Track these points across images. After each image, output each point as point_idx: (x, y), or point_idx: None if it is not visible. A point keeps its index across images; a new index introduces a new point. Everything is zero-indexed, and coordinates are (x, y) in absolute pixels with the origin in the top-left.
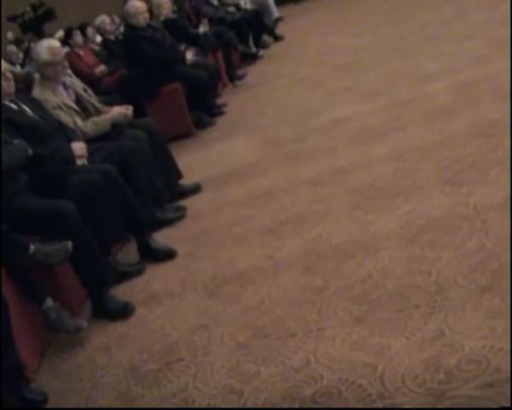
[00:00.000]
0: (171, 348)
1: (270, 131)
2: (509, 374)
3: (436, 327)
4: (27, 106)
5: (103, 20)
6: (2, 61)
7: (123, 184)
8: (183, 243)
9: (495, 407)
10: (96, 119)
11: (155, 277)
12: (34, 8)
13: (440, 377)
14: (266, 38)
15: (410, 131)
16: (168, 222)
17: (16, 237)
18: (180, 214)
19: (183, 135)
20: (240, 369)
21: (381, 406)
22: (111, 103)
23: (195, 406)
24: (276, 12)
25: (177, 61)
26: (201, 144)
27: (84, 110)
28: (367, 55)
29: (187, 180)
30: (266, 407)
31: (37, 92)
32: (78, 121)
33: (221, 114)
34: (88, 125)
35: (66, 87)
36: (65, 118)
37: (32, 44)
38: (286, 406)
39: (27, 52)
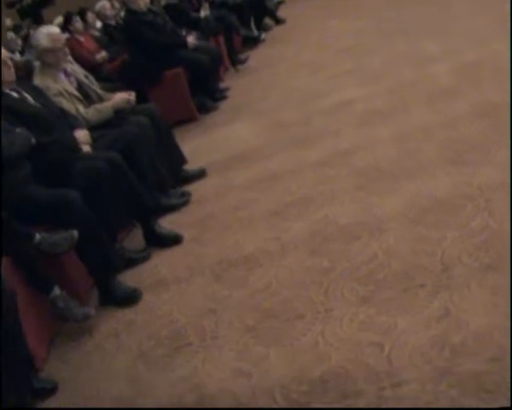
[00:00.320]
0: (179, 332)
1: (274, 114)
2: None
3: (441, 305)
4: (29, 94)
5: (103, 5)
6: (2, 49)
7: (127, 171)
8: (188, 228)
9: (499, 380)
10: (98, 106)
11: (162, 262)
12: None
13: (446, 354)
14: (268, 21)
15: (413, 113)
16: (173, 208)
17: (18, 226)
18: (185, 200)
19: (186, 120)
20: (248, 352)
21: (387, 384)
22: (113, 90)
23: (206, 390)
24: None
25: (178, 46)
26: (205, 129)
27: (86, 97)
28: (369, 38)
29: (191, 165)
30: (275, 396)
31: (37, 80)
32: (81, 108)
33: (224, 98)
34: (90, 112)
35: (67, 74)
36: (67, 105)
37: (31, 31)
38: (295, 387)
39: (26, 39)
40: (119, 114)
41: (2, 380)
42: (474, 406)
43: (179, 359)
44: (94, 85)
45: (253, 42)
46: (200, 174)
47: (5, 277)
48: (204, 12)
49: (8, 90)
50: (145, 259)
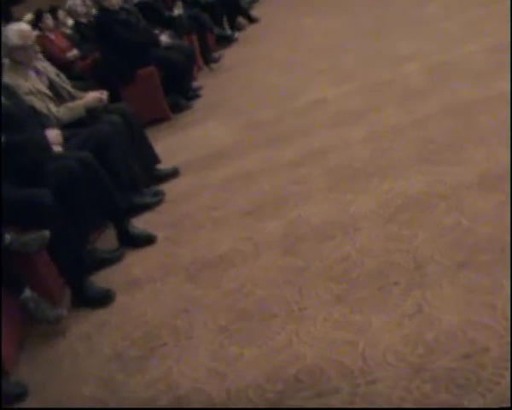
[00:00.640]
0: (153, 333)
1: (248, 113)
2: (485, 346)
3: (415, 303)
4: None
5: (74, 2)
6: None
7: (99, 171)
8: (162, 227)
9: (472, 378)
10: (70, 104)
11: (135, 262)
12: None
13: (420, 351)
14: (241, 20)
15: (386, 112)
16: (147, 207)
17: None
18: (158, 199)
19: (159, 119)
20: (223, 352)
21: (362, 382)
22: (85, 88)
23: (181, 391)
24: None
25: (151, 45)
26: (178, 128)
27: (58, 96)
28: (343, 38)
29: (165, 165)
30: (250, 395)
31: (7, 78)
32: (52, 107)
33: (197, 97)
34: (62, 111)
35: (38, 72)
36: (38, 104)
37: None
38: (269, 386)
39: None
40: (92, 112)
41: None
42: (445, 400)
43: (153, 359)
44: (65, 84)
45: (226, 41)
46: (174, 173)
47: None
48: (177, 10)
49: None
50: (118, 259)
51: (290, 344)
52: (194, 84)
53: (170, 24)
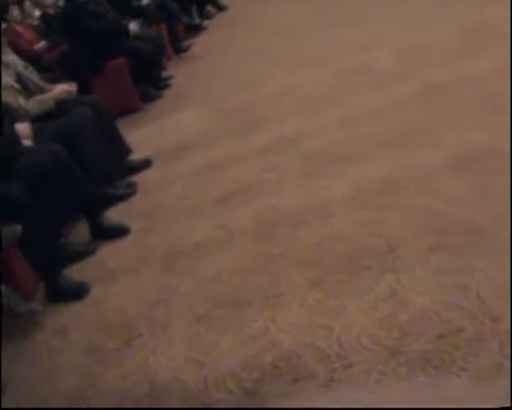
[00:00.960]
0: (129, 324)
1: (219, 101)
2: (459, 326)
3: (388, 286)
4: None
5: None
6: None
7: (71, 163)
8: (136, 218)
9: (447, 359)
10: (39, 97)
11: (110, 254)
12: None
13: (395, 334)
14: (210, 8)
15: (359, 97)
16: (119, 198)
17: None
18: (131, 190)
19: (130, 110)
20: (200, 340)
21: (338, 366)
22: (53, 80)
23: (158, 380)
24: None
25: (120, 35)
26: (150, 118)
27: (26, 89)
28: (312, 24)
29: (137, 155)
30: (228, 384)
31: None
32: (21, 101)
33: (167, 86)
34: (31, 104)
35: (5, 65)
36: (6, 98)
37: None
38: (246, 374)
39: None
40: (61, 105)
41: None
42: (421, 381)
43: (130, 351)
44: (33, 76)
45: (195, 29)
46: (146, 164)
47: None
48: (146, 0)
49: None
50: (92, 252)
51: (267, 331)
52: (164, 73)
53: (138, 13)
